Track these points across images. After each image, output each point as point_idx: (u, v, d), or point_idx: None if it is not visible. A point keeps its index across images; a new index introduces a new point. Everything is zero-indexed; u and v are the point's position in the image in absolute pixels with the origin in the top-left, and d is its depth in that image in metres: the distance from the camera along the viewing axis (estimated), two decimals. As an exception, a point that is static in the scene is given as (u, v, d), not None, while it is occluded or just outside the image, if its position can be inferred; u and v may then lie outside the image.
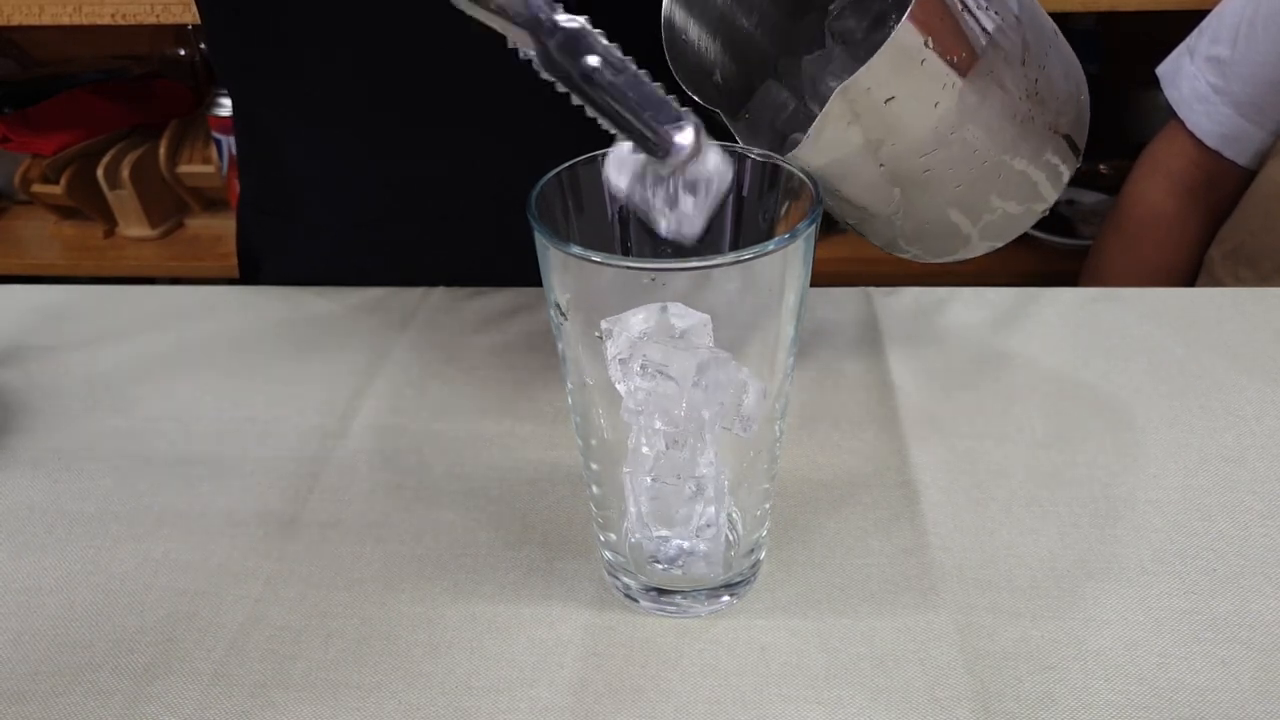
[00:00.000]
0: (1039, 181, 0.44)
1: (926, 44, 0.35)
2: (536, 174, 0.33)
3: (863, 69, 0.34)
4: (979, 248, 0.46)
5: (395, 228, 0.63)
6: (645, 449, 0.33)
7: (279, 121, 0.61)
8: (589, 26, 0.28)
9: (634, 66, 0.28)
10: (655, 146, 0.29)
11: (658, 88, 0.29)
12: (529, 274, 0.33)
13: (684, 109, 0.29)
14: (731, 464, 0.34)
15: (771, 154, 0.34)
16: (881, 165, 0.38)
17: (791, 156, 0.36)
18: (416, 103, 0.57)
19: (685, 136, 0.29)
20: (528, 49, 0.28)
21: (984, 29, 0.37)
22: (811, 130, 0.35)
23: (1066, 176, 0.45)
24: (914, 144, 0.38)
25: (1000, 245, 0.47)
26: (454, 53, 0.54)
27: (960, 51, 0.36)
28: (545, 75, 0.28)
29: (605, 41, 0.28)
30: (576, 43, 0.28)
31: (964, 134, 0.38)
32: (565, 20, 0.27)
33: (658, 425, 0.32)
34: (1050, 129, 0.42)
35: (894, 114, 0.36)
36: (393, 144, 0.59)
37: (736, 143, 0.38)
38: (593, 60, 0.28)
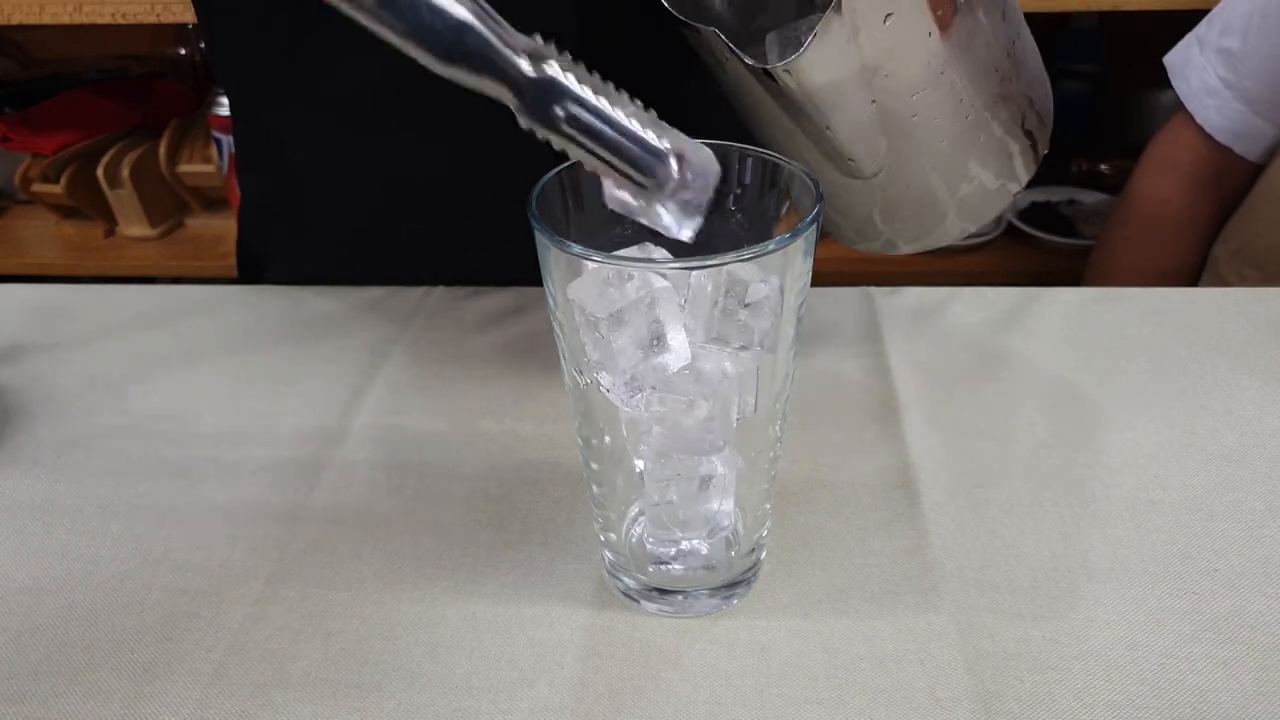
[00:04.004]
0: (1014, 154, 0.44)
1: None
2: (536, 174, 0.33)
3: None
4: (953, 229, 0.46)
5: (397, 228, 0.62)
6: (650, 449, 0.33)
7: (279, 123, 0.61)
8: (560, 70, 0.27)
9: (609, 104, 0.28)
10: (640, 185, 0.29)
11: (637, 118, 0.29)
12: (529, 274, 0.33)
13: (663, 144, 0.29)
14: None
15: (772, 153, 0.34)
16: (874, 101, 0.39)
17: (792, 64, 0.36)
18: (418, 102, 0.57)
19: (666, 171, 0.29)
20: (508, 104, 0.28)
21: None
22: (814, 35, 0.36)
23: (1036, 159, 0.46)
24: (907, 78, 0.39)
25: (972, 229, 0.47)
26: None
27: None
28: (524, 125, 0.28)
29: (578, 84, 0.28)
30: (548, 92, 0.27)
31: (953, 75, 0.39)
32: (533, 71, 0.27)
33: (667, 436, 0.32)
34: (1025, 99, 0.43)
35: (892, 35, 0.37)
36: (394, 144, 0.59)
37: (737, 58, 0.38)
38: (566, 109, 0.27)
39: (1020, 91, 0.43)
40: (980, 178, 0.44)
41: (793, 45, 0.43)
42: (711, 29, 0.39)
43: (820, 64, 0.37)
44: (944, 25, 0.38)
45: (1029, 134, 0.44)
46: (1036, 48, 0.45)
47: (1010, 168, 0.45)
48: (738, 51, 0.39)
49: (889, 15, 0.36)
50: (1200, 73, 0.86)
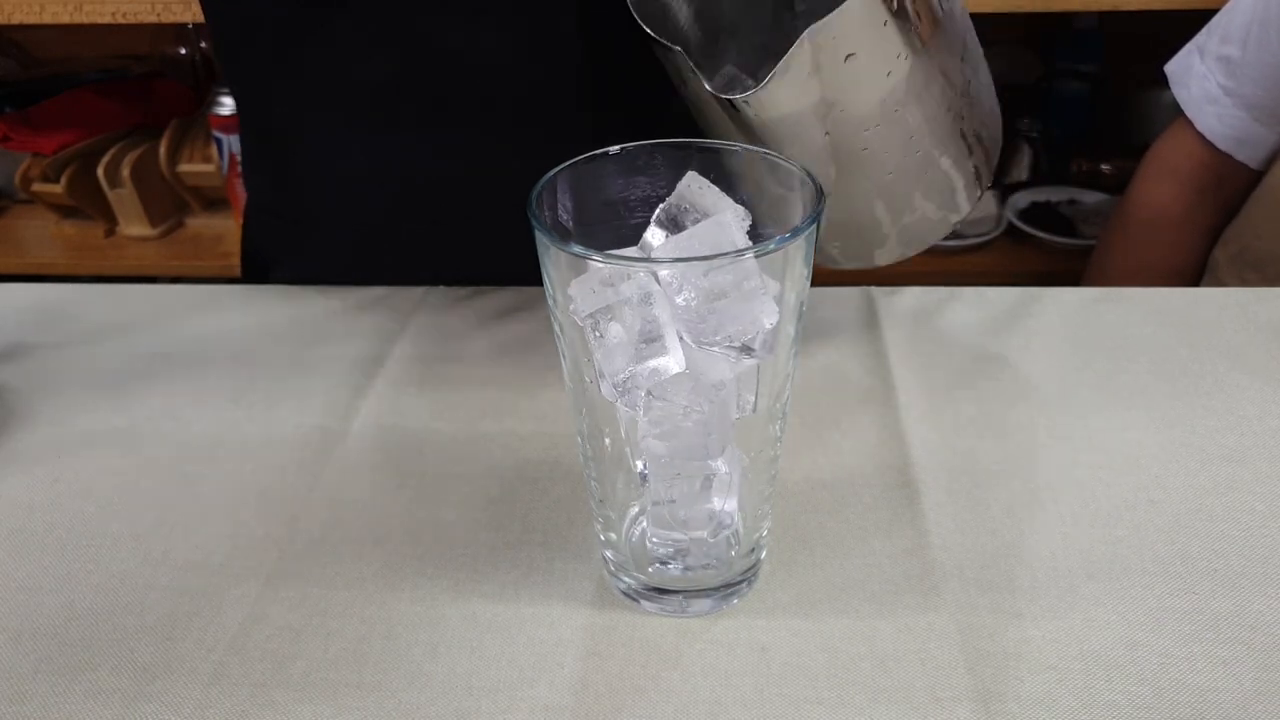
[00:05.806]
0: (958, 189, 0.46)
1: (890, 6, 0.37)
2: (536, 174, 0.33)
3: (833, 14, 0.36)
4: (892, 252, 0.48)
5: (398, 228, 0.63)
6: (658, 444, 0.33)
7: (283, 124, 0.62)
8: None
9: None
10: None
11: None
12: (529, 274, 0.33)
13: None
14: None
15: (772, 153, 0.34)
16: (827, 134, 0.40)
17: (751, 97, 0.37)
18: (419, 103, 0.57)
19: None
20: None
21: (935, 15, 0.39)
22: (775, 71, 0.37)
23: (979, 193, 0.47)
24: (861, 114, 0.40)
25: (908, 255, 0.49)
26: (458, 54, 0.54)
27: (916, 26, 0.38)
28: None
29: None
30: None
31: (906, 113, 0.40)
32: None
33: (667, 441, 0.32)
34: (975, 137, 0.45)
35: (851, 74, 0.38)
36: (396, 145, 0.59)
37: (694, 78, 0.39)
38: None
39: (972, 129, 0.44)
40: (923, 209, 0.45)
41: (752, 77, 0.44)
42: (678, 49, 0.40)
43: (780, 97, 0.38)
44: (903, 66, 0.39)
45: (975, 169, 0.46)
46: (992, 84, 0.47)
47: (953, 200, 0.46)
48: (701, 77, 0.40)
49: (850, 55, 0.37)
50: (1201, 80, 0.86)
